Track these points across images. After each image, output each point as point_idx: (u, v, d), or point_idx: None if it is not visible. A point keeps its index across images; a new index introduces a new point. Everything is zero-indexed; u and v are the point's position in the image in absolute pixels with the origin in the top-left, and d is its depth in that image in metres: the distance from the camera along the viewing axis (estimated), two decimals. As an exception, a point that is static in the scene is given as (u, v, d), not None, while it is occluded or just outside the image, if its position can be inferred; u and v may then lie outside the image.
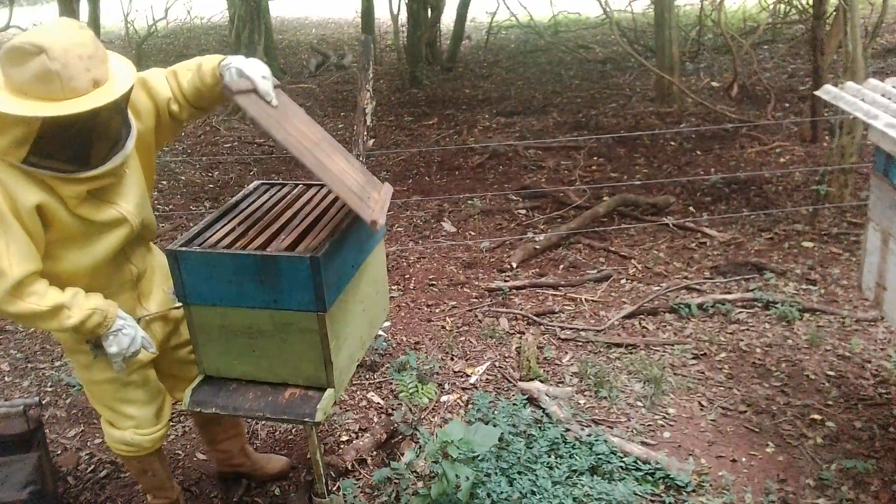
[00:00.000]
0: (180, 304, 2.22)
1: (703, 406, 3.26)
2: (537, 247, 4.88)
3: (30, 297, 1.93)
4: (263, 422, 3.17)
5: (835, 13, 6.11)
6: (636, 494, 2.67)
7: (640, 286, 4.38)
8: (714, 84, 8.90)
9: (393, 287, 4.47)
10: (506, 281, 4.48)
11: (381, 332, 3.81)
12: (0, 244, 1.87)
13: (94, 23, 12.78)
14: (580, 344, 3.80)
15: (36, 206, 1.90)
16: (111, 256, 2.12)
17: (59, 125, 1.83)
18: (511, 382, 3.47)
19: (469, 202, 5.71)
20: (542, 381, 3.39)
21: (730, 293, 4.15)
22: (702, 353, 3.65)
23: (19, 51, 1.79)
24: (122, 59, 2.01)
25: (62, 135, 1.86)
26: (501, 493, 2.62)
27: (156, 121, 2.18)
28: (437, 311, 4.22)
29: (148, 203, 2.25)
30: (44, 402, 3.47)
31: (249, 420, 3.08)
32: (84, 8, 12.98)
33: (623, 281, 4.48)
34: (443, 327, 4.02)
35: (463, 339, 3.90)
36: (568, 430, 3.01)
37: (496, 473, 2.72)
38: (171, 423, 3.21)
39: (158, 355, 2.35)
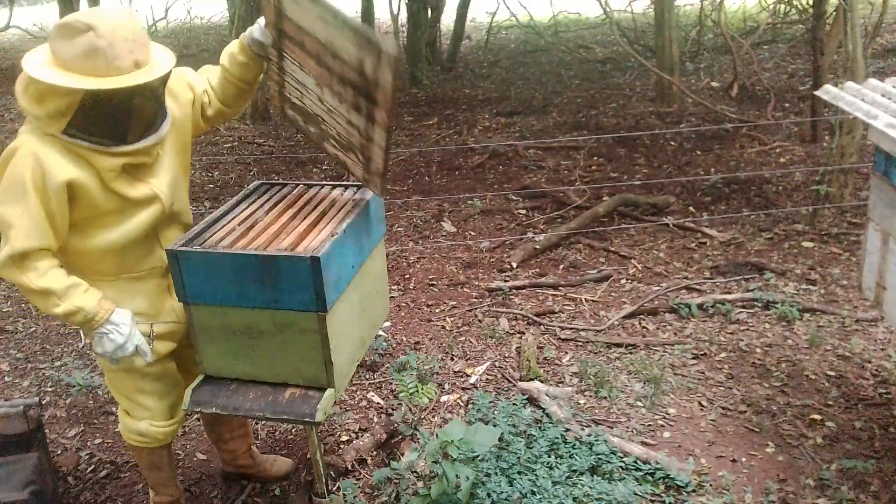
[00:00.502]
0: None
1: (703, 406, 3.26)
2: (537, 247, 4.88)
3: (28, 272, 1.99)
4: (263, 422, 3.18)
5: (835, 13, 6.11)
6: (636, 494, 2.67)
7: (640, 286, 4.38)
8: (714, 84, 8.90)
9: (393, 287, 4.47)
10: (506, 281, 4.48)
11: (381, 332, 3.81)
12: (15, 213, 1.95)
13: (94, 23, 12.79)
14: (580, 344, 3.80)
15: (67, 183, 1.97)
16: (142, 236, 2.17)
17: (99, 99, 1.93)
18: (511, 382, 3.47)
19: (469, 202, 5.72)
20: (542, 381, 3.39)
21: (730, 293, 4.15)
22: (702, 353, 3.65)
23: (69, 27, 1.91)
24: (164, 48, 2.13)
25: (101, 109, 1.96)
26: (501, 493, 2.62)
27: (192, 110, 2.30)
28: (437, 311, 4.22)
29: (182, 189, 2.31)
30: (44, 402, 3.47)
31: (251, 420, 3.08)
32: (84, 8, 12.98)
33: (623, 281, 4.48)
34: (443, 327, 4.02)
35: (463, 339, 3.90)
36: (568, 430, 3.01)
37: (496, 473, 2.72)
38: (172, 423, 3.22)
39: (177, 350, 2.38)
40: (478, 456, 2.71)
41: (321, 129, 2.37)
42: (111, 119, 1.98)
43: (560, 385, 3.42)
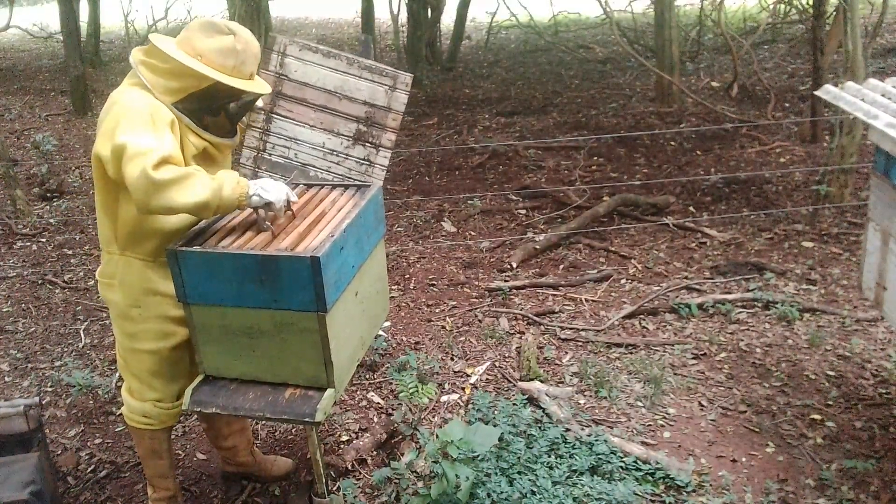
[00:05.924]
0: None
1: (703, 406, 3.26)
2: (537, 247, 4.88)
3: (172, 168, 2.00)
4: (263, 422, 3.17)
5: (835, 13, 6.11)
6: (636, 494, 2.67)
7: (640, 286, 4.38)
8: (714, 84, 8.90)
9: (393, 287, 4.47)
10: (506, 281, 4.48)
11: (381, 332, 3.81)
12: (146, 134, 2.02)
13: (94, 23, 12.78)
14: (580, 344, 3.80)
15: (173, 120, 2.15)
16: (192, 222, 2.29)
17: (215, 92, 2.19)
18: (511, 382, 3.47)
19: (469, 202, 5.72)
20: (542, 381, 3.39)
21: (730, 293, 4.15)
22: (702, 353, 3.65)
23: (215, 26, 2.19)
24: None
25: (206, 100, 2.21)
26: (501, 493, 2.62)
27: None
28: (437, 311, 4.22)
29: None
30: (44, 402, 3.47)
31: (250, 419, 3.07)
32: (84, 8, 12.97)
33: (623, 281, 4.48)
34: (443, 327, 4.02)
35: (463, 339, 3.90)
36: (568, 430, 3.01)
37: (496, 473, 2.72)
38: (172, 423, 3.22)
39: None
40: (478, 456, 2.71)
41: (308, 176, 2.67)
42: (206, 110, 2.23)
43: (560, 385, 3.42)
